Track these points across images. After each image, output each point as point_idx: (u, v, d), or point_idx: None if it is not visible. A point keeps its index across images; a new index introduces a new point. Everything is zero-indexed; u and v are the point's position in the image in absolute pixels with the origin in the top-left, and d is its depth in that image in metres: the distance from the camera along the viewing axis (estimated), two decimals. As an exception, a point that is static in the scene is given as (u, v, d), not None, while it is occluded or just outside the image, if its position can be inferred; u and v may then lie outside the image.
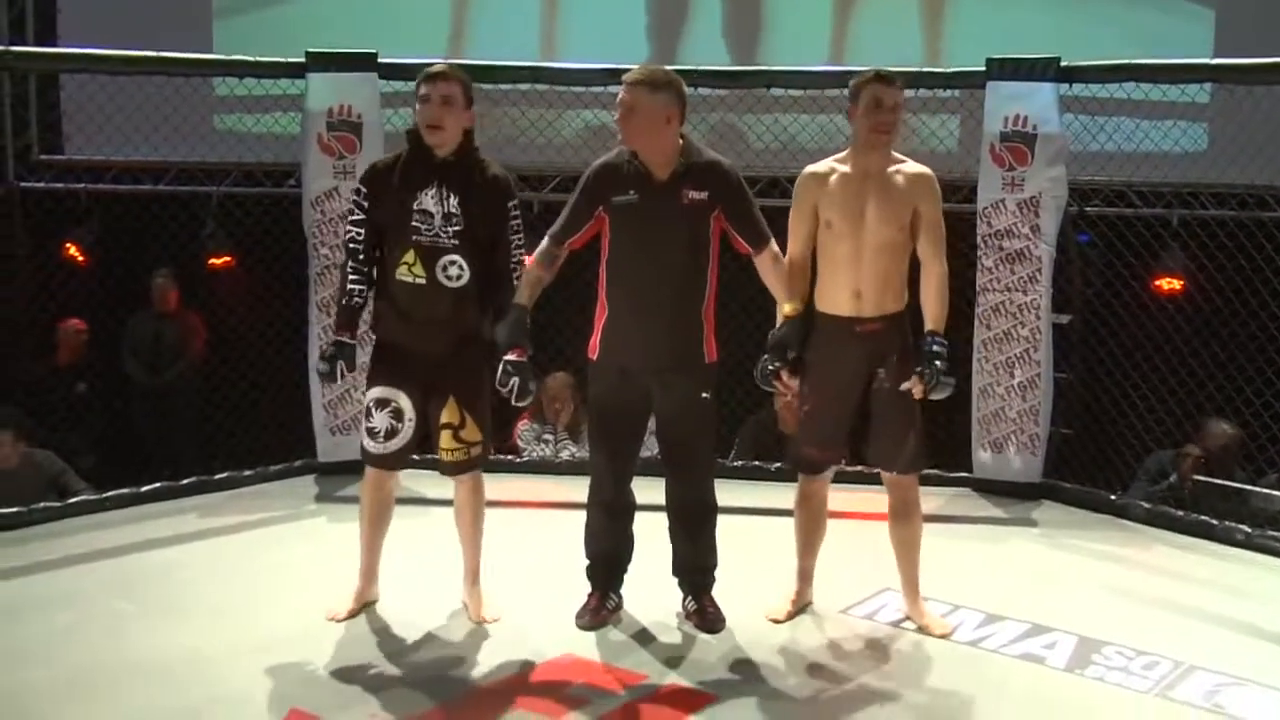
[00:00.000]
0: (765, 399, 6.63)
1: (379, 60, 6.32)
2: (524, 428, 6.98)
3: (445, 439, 4.27)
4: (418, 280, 4.13)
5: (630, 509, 4.39)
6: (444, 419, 4.25)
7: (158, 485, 5.97)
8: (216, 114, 8.07)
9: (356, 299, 4.23)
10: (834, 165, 4.30)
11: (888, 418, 4.30)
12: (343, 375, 4.22)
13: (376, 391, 4.25)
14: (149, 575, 4.88)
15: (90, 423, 8.09)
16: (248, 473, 6.29)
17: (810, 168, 4.34)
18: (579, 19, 8.45)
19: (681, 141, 4.12)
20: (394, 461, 4.31)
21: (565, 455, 6.73)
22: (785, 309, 4.19)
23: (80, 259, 8.07)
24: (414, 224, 4.12)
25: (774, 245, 4.21)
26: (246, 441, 7.38)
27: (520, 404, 4.14)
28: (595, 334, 4.23)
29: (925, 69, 6.59)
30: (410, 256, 4.13)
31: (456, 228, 4.12)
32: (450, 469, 4.34)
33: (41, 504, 5.71)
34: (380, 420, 4.23)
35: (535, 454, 6.83)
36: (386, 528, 4.47)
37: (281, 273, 7.26)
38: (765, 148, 7.16)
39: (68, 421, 7.90)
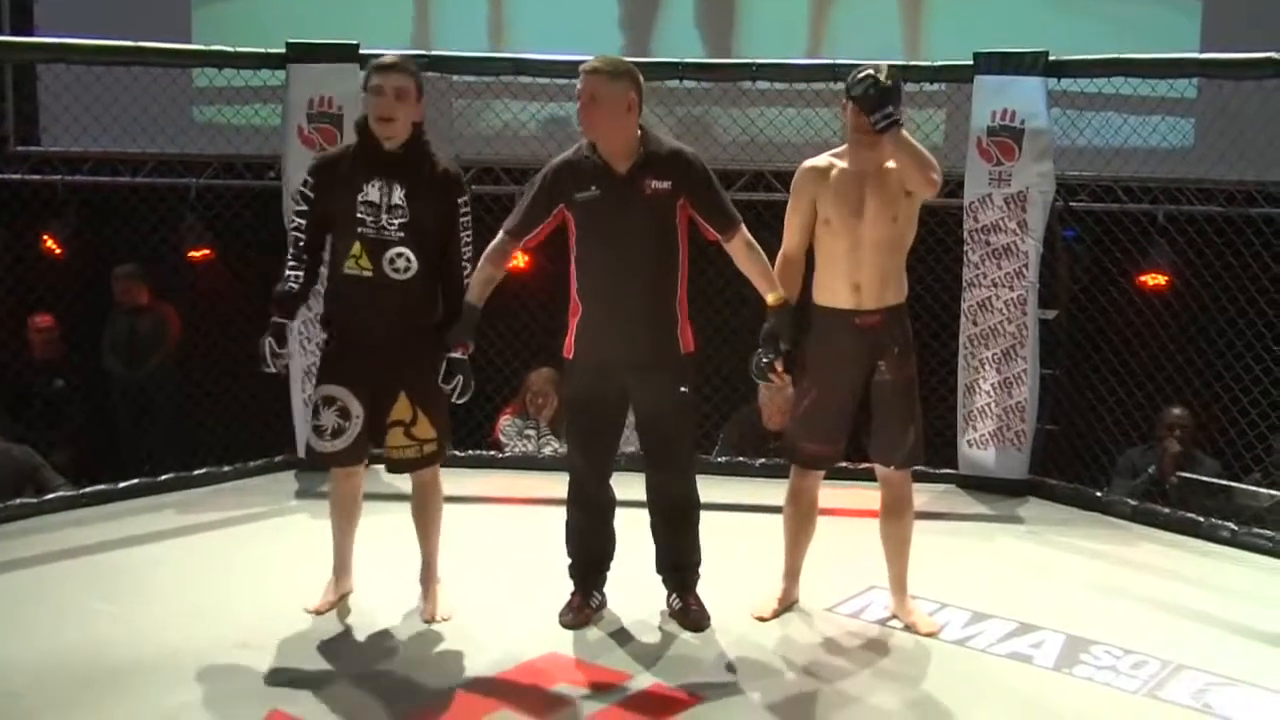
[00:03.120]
0: (749, 394, 6.58)
1: (360, 52, 6.24)
2: (506, 423, 6.93)
3: (395, 436, 4.22)
4: (364, 273, 4.08)
5: (610, 506, 4.35)
6: (394, 415, 4.20)
7: (136, 481, 5.90)
8: (195, 105, 7.98)
9: (291, 284, 4.17)
10: (832, 160, 4.25)
11: (888, 412, 4.27)
12: (274, 354, 4.12)
13: (324, 389, 4.20)
14: (126, 573, 4.82)
15: (68, 418, 8.01)
16: (227, 469, 6.23)
17: (809, 162, 4.30)
18: (543, 8, 8.37)
19: (640, 132, 4.06)
20: (343, 459, 4.24)
21: (548, 451, 6.68)
22: (770, 299, 4.12)
23: (57, 251, 8.00)
24: (359, 215, 4.08)
25: (745, 230, 4.13)
26: (226, 437, 7.31)
27: (460, 401, 4.15)
28: (570, 333, 4.18)
29: (912, 63, 6.53)
30: (357, 249, 4.09)
31: (401, 220, 4.09)
32: (399, 467, 4.29)
33: (17, 500, 5.65)
34: (327, 418, 4.19)
35: (517, 449, 6.78)
36: (356, 521, 4.44)
37: (261, 265, 7.15)
38: (736, 141, 7.09)
39: (45, 418, 7.83)
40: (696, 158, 4.12)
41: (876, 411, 4.28)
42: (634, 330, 4.08)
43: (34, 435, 7.16)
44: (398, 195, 4.09)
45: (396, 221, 4.09)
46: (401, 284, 4.10)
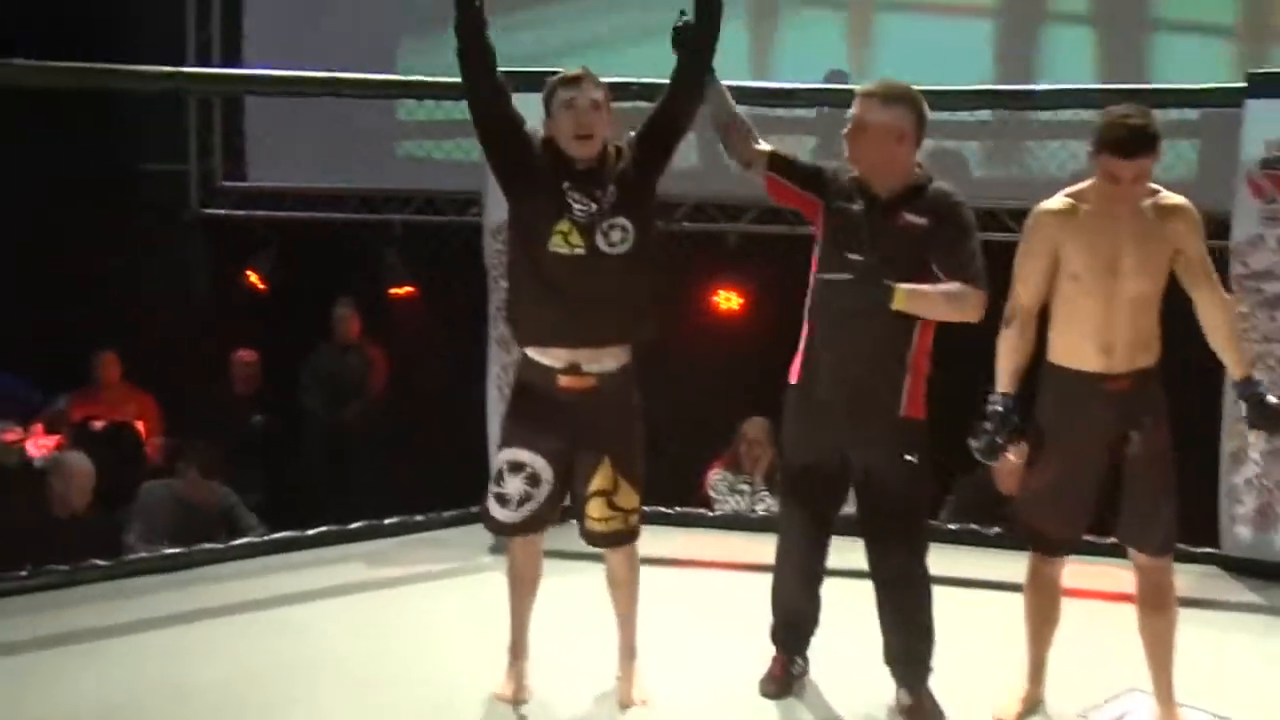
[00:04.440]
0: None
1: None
2: (716, 477, 6.45)
3: (597, 507, 3.79)
4: (575, 250, 3.65)
5: (820, 574, 3.96)
6: (595, 485, 3.77)
7: (325, 529, 5.63)
8: (399, 140, 7.80)
9: None
10: (1075, 202, 3.69)
11: (1141, 489, 3.70)
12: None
13: (510, 454, 3.80)
14: (305, 632, 4.57)
15: (265, 457, 7.84)
16: (419, 518, 5.89)
17: (1046, 205, 3.74)
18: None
19: (919, 170, 3.77)
20: (528, 527, 3.85)
21: (762, 509, 6.17)
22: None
23: (261, 286, 7.96)
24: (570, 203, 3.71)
25: (973, 289, 3.67)
26: (423, 482, 7.03)
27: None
28: (797, 356, 3.85)
29: (1169, 85, 5.88)
30: (565, 226, 3.66)
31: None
32: (602, 540, 3.86)
33: (205, 544, 5.47)
34: (513, 486, 3.78)
35: (728, 506, 6.29)
36: (536, 590, 4.04)
37: (465, 305, 6.92)
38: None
39: (241, 455, 7.64)
40: (964, 205, 3.75)
41: (1128, 489, 3.72)
42: (856, 369, 3.71)
43: (230, 473, 6.94)
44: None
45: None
46: (617, 259, 3.73)
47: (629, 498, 3.80)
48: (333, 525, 5.66)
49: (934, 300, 3.63)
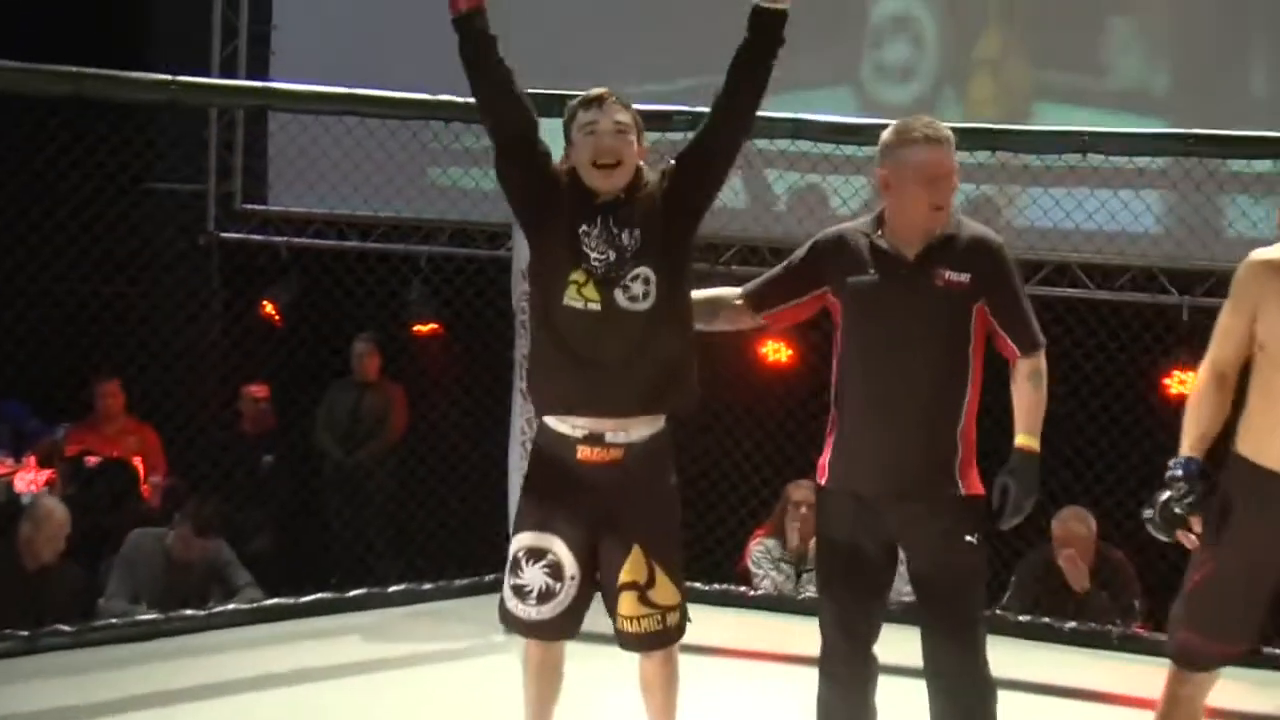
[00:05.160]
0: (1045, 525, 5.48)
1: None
2: (757, 548, 5.86)
3: (628, 603, 3.22)
4: (590, 306, 3.17)
5: (869, 679, 3.42)
6: (625, 575, 3.20)
7: (319, 596, 5.15)
8: (431, 166, 7.32)
9: None
10: None
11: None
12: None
13: (527, 538, 3.23)
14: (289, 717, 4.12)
15: (274, 499, 7.45)
16: (428, 586, 5.38)
17: (1259, 254, 3.16)
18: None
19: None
20: (550, 631, 3.28)
21: (810, 591, 5.55)
22: (1020, 440, 3.21)
23: (276, 318, 7.58)
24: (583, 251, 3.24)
25: (1043, 356, 3.27)
26: (438, 539, 6.53)
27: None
28: (825, 451, 3.38)
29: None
30: (579, 277, 3.19)
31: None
32: (636, 643, 3.29)
33: (185, 611, 5.00)
34: (532, 576, 3.21)
35: (770, 582, 5.70)
36: (558, 694, 3.47)
37: (494, 347, 6.46)
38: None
39: (250, 495, 7.29)
40: (1003, 249, 3.34)
41: None
42: (905, 456, 3.26)
43: (238, 516, 6.74)
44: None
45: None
46: (640, 314, 3.24)
47: (666, 592, 3.23)
48: (329, 592, 5.23)
49: (1039, 409, 3.26)
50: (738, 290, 3.49)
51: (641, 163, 3.26)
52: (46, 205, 6.42)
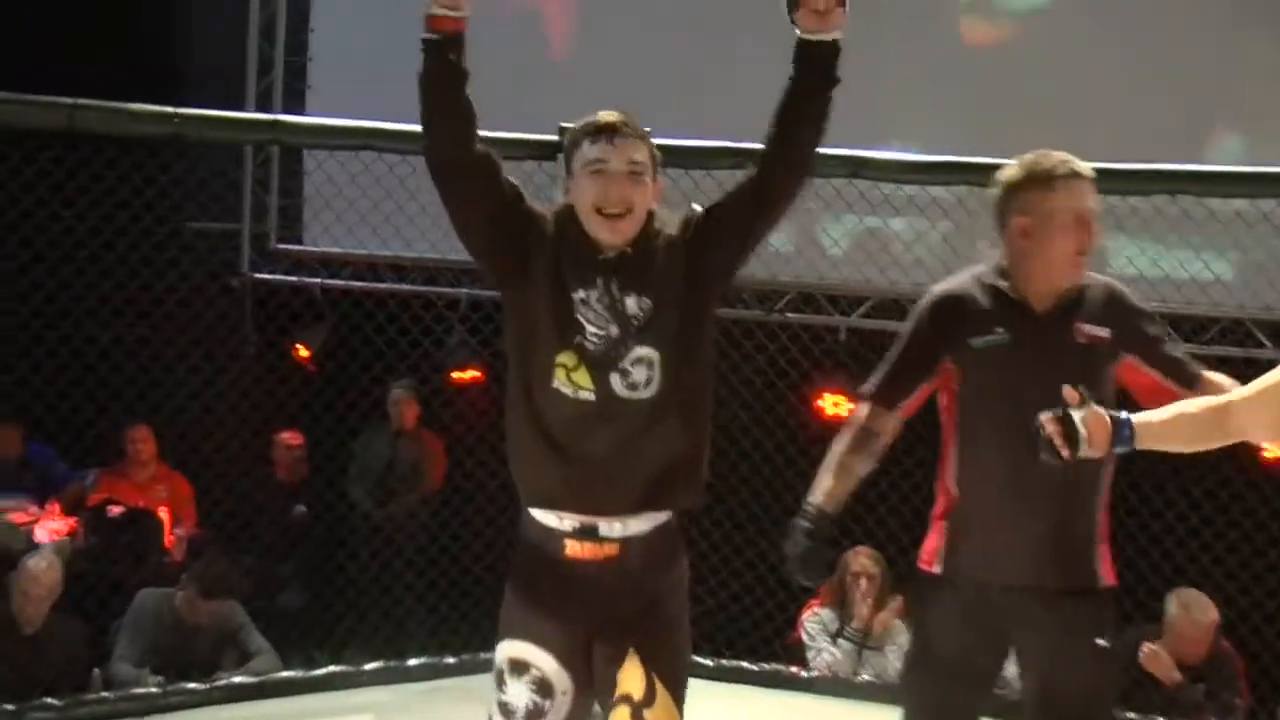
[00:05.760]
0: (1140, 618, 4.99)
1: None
2: (812, 620, 5.40)
3: (621, 717, 2.75)
4: (581, 394, 2.68)
5: None
6: (620, 688, 2.73)
7: (333, 670, 4.84)
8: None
9: None
10: None
11: None
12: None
13: (510, 648, 2.76)
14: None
15: (304, 553, 7.15)
16: (450, 660, 5.01)
17: None
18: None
19: None
20: None
21: (869, 674, 5.09)
22: None
23: (309, 363, 7.32)
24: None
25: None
26: (473, 595, 6.15)
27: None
28: (933, 534, 3.08)
29: None
30: (569, 359, 2.70)
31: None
32: None
33: (184, 685, 4.70)
34: (517, 694, 2.74)
35: (825, 659, 5.23)
36: None
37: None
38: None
39: (280, 548, 7.03)
40: (1133, 294, 3.12)
41: None
42: (1043, 540, 2.97)
43: (265, 569, 6.57)
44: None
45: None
46: (643, 405, 2.76)
47: (667, 713, 2.75)
48: (343, 665, 4.91)
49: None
50: (861, 414, 3.09)
51: (654, 205, 2.74)
52: (77, 243, 6.24)
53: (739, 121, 3.43)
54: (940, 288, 3.14)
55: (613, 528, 2.72)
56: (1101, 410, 2.60)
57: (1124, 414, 2.63)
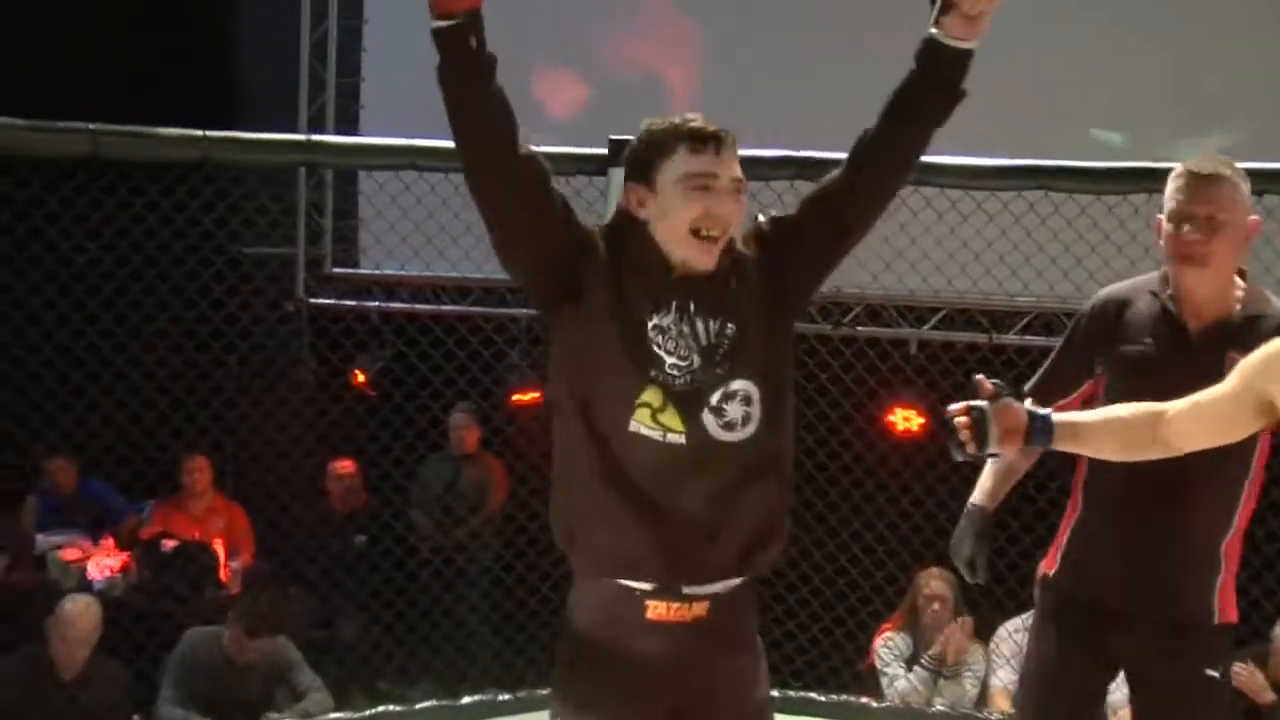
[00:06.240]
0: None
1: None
2: (885, 645, 5.19)
3: None
4: (670, 437, 2.35)
5: None
6: None
7: (383, 709, 4.64)
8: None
9: None
10: None
11: None
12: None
13: None
14: None
15: (364, 583, 6.99)
16: (505, 697, 4.80)
17: None
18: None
19: (1241, 280, 2.91)
20: None
21: (942, 704, 4.84)
22: None
23: (367, 388, 7.29)
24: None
25: None
26: (540, 617, 5.97)
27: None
28: (1061, 536, 3.07)
29: None
30: (654, 397, 2.37)
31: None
32: None
33: None
34: None
35: (901, 684, 5.01)
36: None
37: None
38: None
39: (339, 579, 6.92)
40: None
41: None
42: (1162, 568, 2.94)
43: (324, 602, 6.55)
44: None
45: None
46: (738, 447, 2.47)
47: None
48: (395, 705, 4.76)
49: None
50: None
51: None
52: (132, 272, 6.16)
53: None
54: (1105, 291, 3.10)
55: (697, 584, 2.37)
56: (1016, 404, 2.47)
57: (1042, 410, 2.52)
